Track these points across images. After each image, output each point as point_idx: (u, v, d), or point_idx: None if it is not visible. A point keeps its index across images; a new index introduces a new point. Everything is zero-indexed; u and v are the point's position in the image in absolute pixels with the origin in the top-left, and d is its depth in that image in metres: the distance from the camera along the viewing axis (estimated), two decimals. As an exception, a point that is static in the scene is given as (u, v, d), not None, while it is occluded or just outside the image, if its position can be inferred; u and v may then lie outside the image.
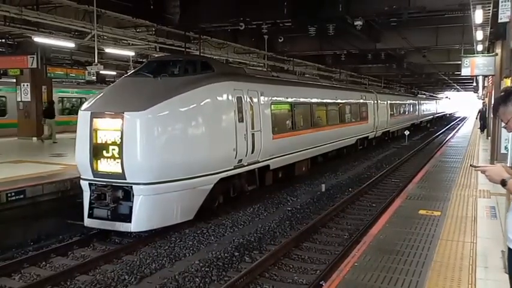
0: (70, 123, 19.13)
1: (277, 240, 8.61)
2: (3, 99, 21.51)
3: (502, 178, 2.88)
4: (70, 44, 16.30)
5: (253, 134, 10.55)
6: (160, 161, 8.26)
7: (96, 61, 14.89)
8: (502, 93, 3.09)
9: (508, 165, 3.07)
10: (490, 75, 15.70)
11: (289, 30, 18.48)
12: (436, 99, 60.70)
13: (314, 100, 15.17)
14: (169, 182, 8.38)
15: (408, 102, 35.44)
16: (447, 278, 4.93)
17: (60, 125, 19.48)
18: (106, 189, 8.28)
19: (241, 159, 10.15)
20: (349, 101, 18.99)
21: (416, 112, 38.85)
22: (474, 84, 38.53)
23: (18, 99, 18.51)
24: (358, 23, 14.48)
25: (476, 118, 39.20)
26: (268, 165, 11.60)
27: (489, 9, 9.77)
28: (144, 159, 8.15)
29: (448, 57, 25.50)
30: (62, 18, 13.80)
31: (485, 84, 25.16)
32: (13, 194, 8.53)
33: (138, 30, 17.54)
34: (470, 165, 3.40)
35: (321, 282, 6.32)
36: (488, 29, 12.04)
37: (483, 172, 3.00)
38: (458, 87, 57.10)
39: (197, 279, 6.69)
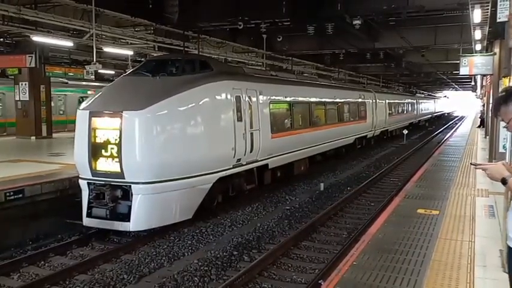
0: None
1: (276, 240, 8.61)
2: None
3: (503, 176, 2.88)
4: (68, 43, 16.28)
5: (251, 133, 10.55)
6: (159, 160, 8.26)
7: (94, 60, 14.88)
8: (503, 93, 3.08)
9: (508, 163, 3.06)
10: (488, 75, 15.71)
11: (288, 30, 18.47)
12: (435, 99, 60.76)
13: (313, 99, 15.17)
14: (168, 181, 8.37)
15: (407, 101, 35.47)
16: (445, 277, 4.94)
17: None
18: (105, 189, 8.27)
19: (240, 159, 10.15)
20: (347, 100, 19.00)
21: (415, 111, 38.89)
22: (472, 83, 38.57)
23: (17, 98, 18.48)
24: (357, 22, 14.49)
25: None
26: (267, 165, 11.60)
27: (488, 9, 9.80)
28: (142, 158, 8.15)
29: (447, 57, 25.53)
30: (60, 17, 13.79)
31: (484, 84, 25.19)
32: (12, 193, 8.51)
33: (136, 29, 17.52)
34: (471, 163, 3.40)
35: (319, 281, 6.32)
36: (487, 28, 12.08)
37: (484, 170, 3.00)
38: (456, 86, 57.17)
39: (196, 279, 6.69)
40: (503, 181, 2.88)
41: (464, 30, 16.09)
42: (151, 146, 8.23)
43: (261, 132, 10.99)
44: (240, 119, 10.10)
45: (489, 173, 2.95)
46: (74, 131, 8.83)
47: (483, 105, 29.79)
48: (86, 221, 8.46)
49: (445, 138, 27.46)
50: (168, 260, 7.53)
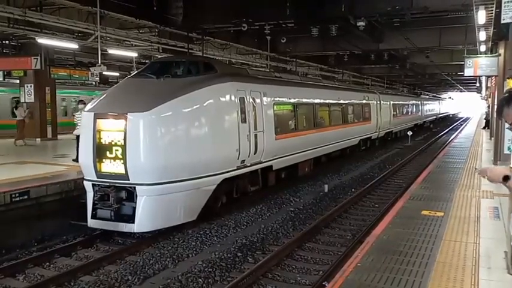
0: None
1: (280, 241, 8.61)
2: None
3: (505, 174, 2.86)
4: (73, 45, 16.37)
5: (256, 135, 10.56)
6: (164, 161, 8.28)
7: (99, 62, 14.95)
8: (506, 95, 3.09)
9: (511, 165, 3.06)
10: (493, 76, 15.67)
11: (292, 31, 18.50)
12: (439, 100, 60.60)
13: (317, 101, 15.16)
14: (173, 182, 8.39)
15: (411, 102, 35.39)
16: (450, 279, 4.93)
17: None
18: (109, 190, 8.30)
19: (244, 160, 10.16)
20: (352, 101, 18.98)
21: (419, 112, 38.78)
22: (477, 84, 38.47)
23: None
24: (361, 23, 14.49)
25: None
26: (271, 166, 11.61)
27: (492, 10, 9.77)
28: (147, 160, 8.17)
29: (451, 58, 25.48)
30: (65, 19, 13.88)
31: (489, 85, 25.11)
32: (17, 194, 8.56)
33: (141, 31, 17.62)
34: (475, 168, 3.42)
35: (323, 283, 6.33)
36: (491, 29, 12.04)
37: (484, 174, 2.99)
38: (461, 87, 57.04)
39: (200, 280, 6.70)
40: (506, 178, 2.86)
41: (468, 31, 16.06)
42: (155, 148, 8.25)
43: (265, 133, 10.99)
44: (244, 120, 10.11)
45: (490, 175, 2.94)
46: None
47: (488, 107, 29.71)
48: (91, 223, 8.49)
49: (449, 139, 27.36)
50: (173, 261, 7.54)
